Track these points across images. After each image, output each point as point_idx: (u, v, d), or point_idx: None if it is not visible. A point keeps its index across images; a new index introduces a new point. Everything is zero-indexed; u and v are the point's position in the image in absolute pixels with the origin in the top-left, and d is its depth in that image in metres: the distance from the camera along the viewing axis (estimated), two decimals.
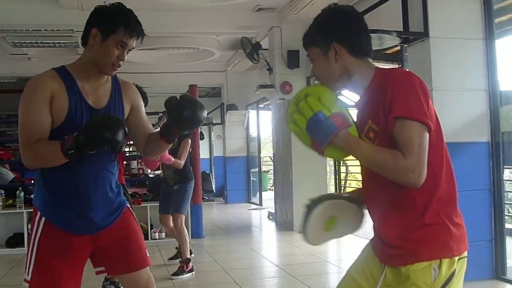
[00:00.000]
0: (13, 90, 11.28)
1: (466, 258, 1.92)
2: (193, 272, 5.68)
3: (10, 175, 8.23)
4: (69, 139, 2.17)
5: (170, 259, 6.36)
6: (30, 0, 7.98)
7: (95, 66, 2.38)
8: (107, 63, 2.34)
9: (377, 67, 1.99)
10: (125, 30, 2.29)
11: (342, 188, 11.10)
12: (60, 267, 2.35)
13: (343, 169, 13.01)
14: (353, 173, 16.04)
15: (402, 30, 5.18)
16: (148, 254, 2.59)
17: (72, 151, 2.16)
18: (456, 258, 1.87)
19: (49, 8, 8.02)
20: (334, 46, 1.93)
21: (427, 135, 1.80)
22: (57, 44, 9.73)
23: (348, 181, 15.46)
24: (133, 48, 2.38)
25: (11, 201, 7.23)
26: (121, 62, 2.36)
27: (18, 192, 7.07)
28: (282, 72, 8.98)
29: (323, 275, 5.76)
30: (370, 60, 2.00)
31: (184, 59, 11.95)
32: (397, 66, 7.07)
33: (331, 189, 9.22)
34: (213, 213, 12.31)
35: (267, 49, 9.41)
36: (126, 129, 2.19)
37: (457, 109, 5.02)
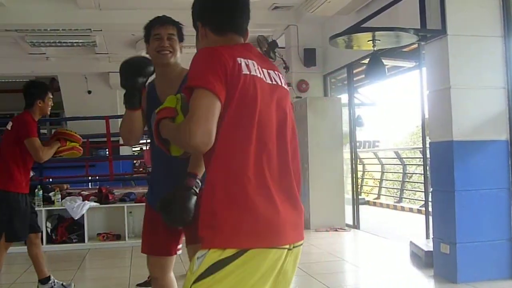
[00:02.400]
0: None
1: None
2: None
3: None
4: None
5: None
6: (48, 0, 8.05)
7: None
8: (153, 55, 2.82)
9: (241, 43, 1.99)
10: (151, 27, 2.86)
11: (359, 186, 11.05)
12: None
13: (360, 167, 12.98)
14: (370, 172, 16.01)
15: (419, 27, 5.14)
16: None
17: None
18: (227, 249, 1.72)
19: (67, 8, 8.08)
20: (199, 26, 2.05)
21: (210, 100, 1.71)
22: (75, 44, 9.81)
23: (364, 180, 15.42)
24: (171, 34, 2.85)
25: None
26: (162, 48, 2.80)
27: (36, 190, 7.15)
28: (298, 71, 8.97)
29: (340, 274, 5.75)
30: (234, 36, 1.99)
31: None
32: (414, 64, 7.03)
33: (348, 188, 9.18)
34: None
35: (284, 48, 9.40)
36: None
37: (475, 107, 4.97)
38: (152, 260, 2.87)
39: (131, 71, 2.64)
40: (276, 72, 1.95)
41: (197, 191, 2.38)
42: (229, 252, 1.69)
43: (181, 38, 2.92)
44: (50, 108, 4.82)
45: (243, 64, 1.80)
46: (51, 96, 4.79)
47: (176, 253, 2.90)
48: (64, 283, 4.96)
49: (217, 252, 1.70)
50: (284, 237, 1.78)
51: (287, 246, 1.79)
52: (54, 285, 4.87)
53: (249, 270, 1.70)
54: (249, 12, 2.02)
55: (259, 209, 1.74)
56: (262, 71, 1.88)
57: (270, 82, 1.88)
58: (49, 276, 4.87)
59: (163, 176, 2.78)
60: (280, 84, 1.92)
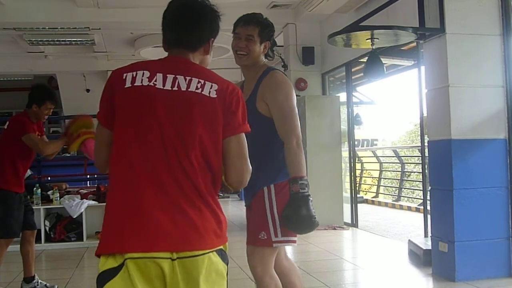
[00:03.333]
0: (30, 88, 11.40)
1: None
2: None
3: (28, 172, 8.31)
4: None
5: None
6: None
7: None
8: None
9: (170, 57, 2.02)
10: (236, 26, 3.01)
11: (358, 185, 11.06)
12: None
13: (358, 166, 13.00)
14: (368, 170, 16.02)
15: (418, 26, 5.14)
16: (260, 236, 2.90)
17: None
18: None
19: (65, 6, 8.07)
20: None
21: (99, 131, 1.94)
22: (73, 42, 9.80)
23: (363, 178, 15.43)
24: (250, 35, 2.92)
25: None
26: (239, 48, 2.94)
27: (35, 189, 7.15)
28: (297, 69, 8.96)
29: (339, 272, 5.75)
30: (178, 51, 1.99)
31: None
32: (413, 62, 7.03)
33: (346, 186, 9.18)
34: (229, 210, 12.33)
35: (282, 46, 9.39)
36: None
37: (474, 106, 4.98)
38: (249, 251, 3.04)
39: None
40: (189, 78, 1.86)
41: (306, 191, 2.79)
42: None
43: (265, 38, 2.97)
44: (46, 117, 4.82)
45: (127, 78, 1.85)
46: (50, 107, 4.76)
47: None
48: (47, 284, 4.96)
49: None
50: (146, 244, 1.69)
51: (168, 255, 1.69)
52: (37, 285, 4.88)
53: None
54: (205, 24, 2.00)
55: (118, 215, 1.77)
56: (161, 78, 1.85)
57: (170, 89, 1.84)
58: (34, 276, 4.90)
59: None
60: (183, 89, 1.84)
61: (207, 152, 1.83)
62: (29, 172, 8.33)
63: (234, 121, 1.88)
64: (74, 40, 9.68)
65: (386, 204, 12.62)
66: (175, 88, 1.84)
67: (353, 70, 8.62)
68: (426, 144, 5.84)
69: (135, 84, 1.84)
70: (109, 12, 8.16)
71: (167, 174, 1.77)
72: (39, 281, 4.93)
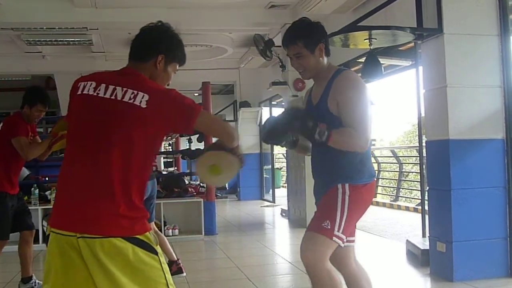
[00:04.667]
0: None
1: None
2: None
3: (25, 172, 8.28)
4: None
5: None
6: None
7: None
8: None
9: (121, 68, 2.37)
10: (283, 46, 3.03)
11: None
12: None
13: None
14: None
15: (415, 26, 5.15)
16: (324, 224, 2.84)
17: None
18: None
19: (63, 6, 8.06)
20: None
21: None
22: (71, 42, 9.80)
23: None
24: (297, 54, 2.89)
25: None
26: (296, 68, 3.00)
27: (33, 189, 7.13)
28: (294, 69, 8.95)
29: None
30: (129, 63, 2.37)
31: (197, 56, 11.97)
32: (410, 62, 7.03)
33: None
34: (226, 210, 12.34)
35: (280, 46, 9.37)
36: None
37: (472, 106, 4.98)
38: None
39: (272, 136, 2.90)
40: (125, 89, 2.16)
41: (318, 136, 2.76)
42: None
43: (314, 44, 2.89)
44: (37, 120, 4.81)
45: (81, 87, 2.25)
46: (41, 109, 4.74)
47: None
48: None
49: None
50: (59, 223, 2.15)
51: (73, 234, 2.08)
52: (35, 285, 4.88)
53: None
54: (152, 39, 2.34)
55: (56, 198, 2.24)
56: (103, 88, 2.19)
57: (108, 97, 2.16)
58: (31, 276, 4.90)
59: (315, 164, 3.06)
60: (119, 99, 2.15)
61: (127, 152, 2.14)
62: (26, 172, 8.33)
63: (183, 116, 2.18)
64: (71, 40, 9.68)
65: (384, 204, 12.63)
66: (113, 97, 2.16)
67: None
68: (424, 144, 5.84)
69: (83, 92, 2.22)
70: (106, 12, 8.16)
71: (87, 168, 2.14)
72: (37, 281, 4.92)
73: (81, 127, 2.21)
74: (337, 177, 2.87)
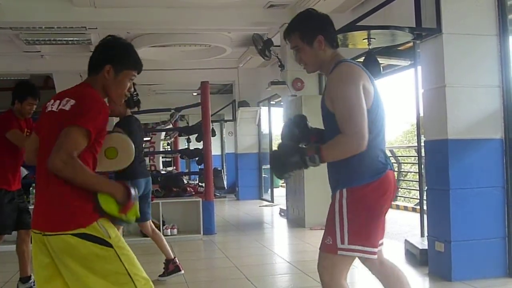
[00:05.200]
0: None
1: None
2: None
3: (24, 172, 8.27)
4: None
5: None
6: None
7: None
8: None
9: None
10: None
11: None
12: None
13: None
14: None
15: (414, 26, 5.15)
16: (326, 241, 2.78)
17: None
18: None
19: (61, 6, 8.06)
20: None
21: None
22: (70, 42, 9.79)
23: None
24: (295, 47, 2.78)
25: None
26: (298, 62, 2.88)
27: (31, 188, 7.12)
28: (293, 69, 8.95)
29: None
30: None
31: (196, 56, 11.97)
32: (409, 62, 7.03)
33: None
34: (225, 209, 12.34)
35: (279, 46, 9.39)
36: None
37: (470, 106, 4.98)
38: None
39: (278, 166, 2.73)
40: (67, 99, 2.42)
41: (311, 161, 2.60)
42: None
43: (311, 36, 2.71)
44: (30, 113, 4.83)
45: (46, 104, 2.52)
46: (32, 102, 4.77)
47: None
48: None
49: None
50: (33, 223, 2.41)
51: (40, 232, 2.33)
52: (34, 285, 4.87)
53: None
54: (98, 51, 2.61)
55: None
56: (56, 103, 2.46)
57: (55, 110, 2.43)
58: (30, 276, 4.89)
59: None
60: (62, 108, 2.41)
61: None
62: (25, 171, 8.32)
63: (69, 118, 2.33)
64: (70, 40, 9.67)
65: None
66: (57, 109, 2.42)
67: None
68: (422, 144, 5.85)
69: (46, 110, 2.49)
70: (105, 12, 8.15)
71: (44, 172, 2.34)
72: (35, 281, 4.91)
73: (40, 139, 2.50)
74: (336, 184, 2.74)
